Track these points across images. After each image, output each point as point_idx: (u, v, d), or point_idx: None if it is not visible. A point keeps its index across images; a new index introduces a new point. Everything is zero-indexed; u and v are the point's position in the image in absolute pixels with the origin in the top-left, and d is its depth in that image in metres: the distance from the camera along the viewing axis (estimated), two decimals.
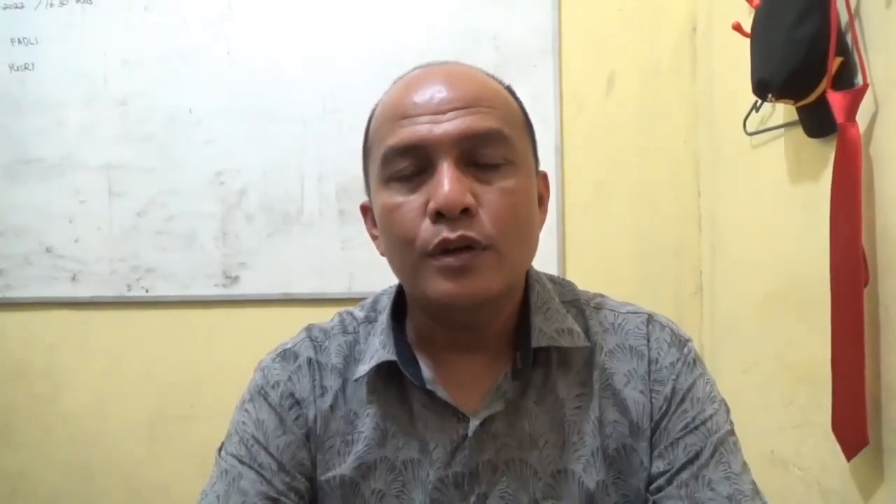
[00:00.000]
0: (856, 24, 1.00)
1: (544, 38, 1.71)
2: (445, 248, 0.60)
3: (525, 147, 0.66)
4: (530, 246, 0.66)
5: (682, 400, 0.66)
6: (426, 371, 0.67)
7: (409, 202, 0.62)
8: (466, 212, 0.59)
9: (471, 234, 0.60)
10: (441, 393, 0.66)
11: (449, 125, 0.61)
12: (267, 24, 1.77)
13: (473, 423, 0.65)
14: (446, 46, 1.71)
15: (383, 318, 0.71)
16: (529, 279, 0.71)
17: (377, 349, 0.68)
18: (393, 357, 0.67)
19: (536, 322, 0.68)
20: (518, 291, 0.69)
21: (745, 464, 0.66)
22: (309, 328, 0.75)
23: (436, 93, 0.63)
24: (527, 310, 0.69)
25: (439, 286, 0.61)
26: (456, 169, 0.60)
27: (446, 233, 0.59)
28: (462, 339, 0.68)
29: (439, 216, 0.60)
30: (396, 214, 0.62)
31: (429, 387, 0.66)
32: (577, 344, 0.68)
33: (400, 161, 0.62)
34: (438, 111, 0.61)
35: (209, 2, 1.78)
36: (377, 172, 0.65)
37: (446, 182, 0.59)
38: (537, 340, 0.67)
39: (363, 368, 0.68)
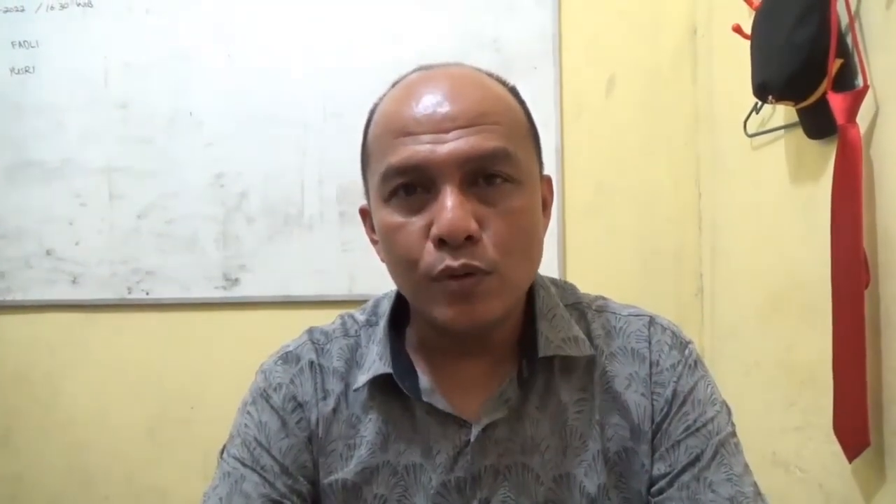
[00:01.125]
0: (856, 25, 1.00)
1: (545, 41, 1.71)
2: (448, 275, 0.59)
3: (530, 159, 0.65)
4: (535, 263, 0.66)
5: (684, 402, 0.66)
6: (424, 380, 0.67)
7: (411, 224, 0.61)
8: (470, 238, 0.58)
9: (474, 262, 0.59)
10: (439, 402, 0.66)
11: (453, 146, 0.59)
12: (267, 27, 1.77)
13: (476, 429, 0.65)
14: (447, 49, 1.71)
15: (382, 325, 0.70)
16: (534, 285, 0.70)
17: (374, 360, 0.68)
18: (389, 370, 0.66)
19: (543, 330, 0.67)
20: (522, 300, 0.69)
21: (746, 466, 0.66)
22: (310, 330, 0.74)
23: (438, 107, 0.60)
24: (532, 315, 0.69)
25: (443, 312, 0.61)
26: (459, 193, 0.59)
27: (449, 261, 0.59)
28: (465, 346, 0.68)
29: (442, 242, 0.59)
30: (398, 236, 0.61)
31: (425, 398, 0.66)
32: (584, 352, 0.68)
33: (401, 180, 0.61)
34: (441, 129, 0.60)
35: (210, 4, 1.78)
36: (377, 187, 0.63)
37: (450, 208, 0.58)
38: (544, 349, 0.66)
39: (362, 378, 0.68)
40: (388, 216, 0.62)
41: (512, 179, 0.61)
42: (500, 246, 0.60)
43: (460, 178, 0.59)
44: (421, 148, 0.59)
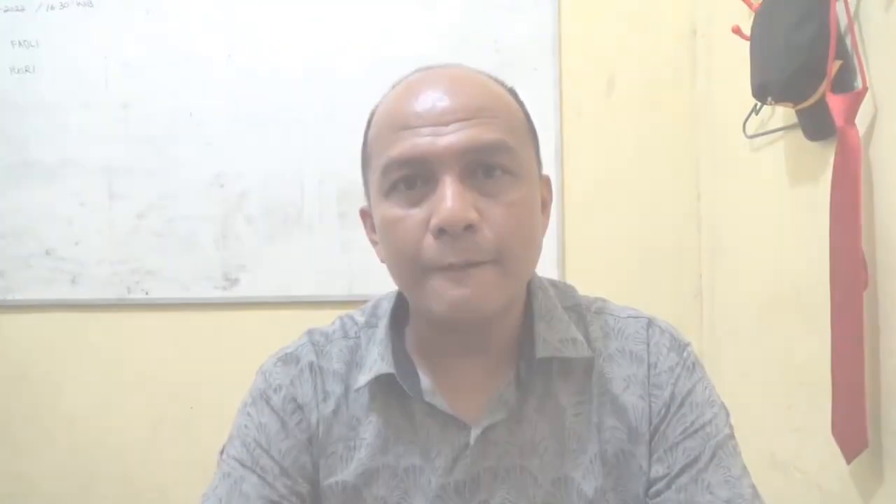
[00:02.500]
0: (855, 27, 1.00)
1: (544, 42, 1.72)
2: (448, 267, 0.59)
3: (528, 154, 0.65)
4: (534, 256, 0.66)
5: (682, 404, 0.66)
6: (425, 381, 0.67)
7: (411, 216, 0.60)
8: (470, 227, 0.58)
9: (474, 252, 0.59)
10: (440, 404, 0.66)
11: (452, 137, 0.59)
12: (268, 27, 1.77)
13: (475, 432, 0.65)
14: (447, 49, 1.71)
15: (382, 326, 0.70)
16: (532, 286, 0.70)
17: (375, 360, 0.68)
18: (391, 370, 0.66)
19: (540, 331, 0.67)
20: (521, 299, 0.69)
21: (744, 467, 0.66)
22: (310, 332, 0.74)
23: (437, 101, 0.61)
24: (530, 317, 0.69)
25: (441, 300, 0.60)
26: (459, 183, 0.59)
27: (449, 254, 0.58)
28: (463, 345, 0.68)
29: (441, 232, 0.58)
30: (398, 228, 0.61)
31: (427, 399, 0.66)
32: (581, 354, 0.68)
33: (401, 173, 0.61)
34: (440, 122, 0.60)
35: (210, 5, 1.79)
36: (377, 182, 0.63)
37: (449, 198, 0.58)
38: (541, 350, 0.66)
39: (363, 379, 0.68)
40: (388, 210, 0.62)
41: (511, 172, 0.61)
42: (500, 235, 0.60)
43: (459, 169, 0.59)
44: (421, 140, 0.60)
